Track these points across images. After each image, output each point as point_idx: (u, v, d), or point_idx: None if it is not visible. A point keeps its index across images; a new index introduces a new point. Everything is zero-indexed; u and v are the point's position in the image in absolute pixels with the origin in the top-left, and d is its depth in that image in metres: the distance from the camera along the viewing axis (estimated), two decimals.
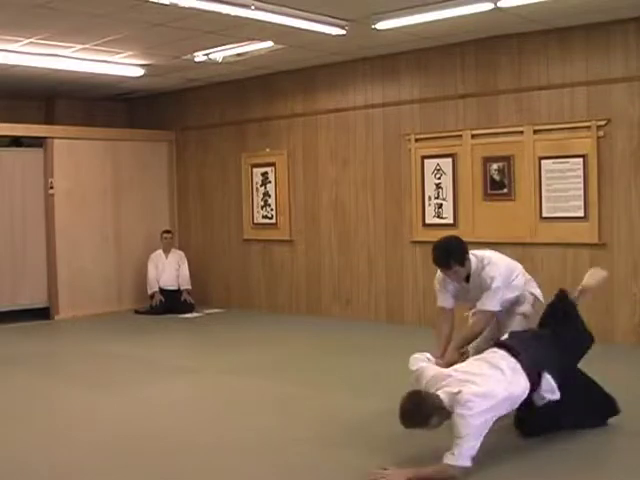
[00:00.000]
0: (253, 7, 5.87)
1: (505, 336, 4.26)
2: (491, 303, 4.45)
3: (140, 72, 8.38)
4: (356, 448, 4.12)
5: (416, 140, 7.91)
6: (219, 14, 5.98)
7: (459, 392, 3.63)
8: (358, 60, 8.25)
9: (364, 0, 5.97)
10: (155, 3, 5.65)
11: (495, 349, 4.00)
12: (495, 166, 7.36)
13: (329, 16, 6.37)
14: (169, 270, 9.63)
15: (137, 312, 9.50)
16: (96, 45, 7.16)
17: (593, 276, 4.58)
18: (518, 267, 4.77)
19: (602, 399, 4.32)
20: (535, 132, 7.10)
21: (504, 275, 4.51)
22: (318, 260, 8.84)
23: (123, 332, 8.30)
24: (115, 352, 7.12)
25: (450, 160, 7.66)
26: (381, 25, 6.54)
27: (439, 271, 4.62)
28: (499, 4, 5.96)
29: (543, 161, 7.07)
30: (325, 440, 4.30)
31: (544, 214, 7.09)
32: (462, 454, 3.54)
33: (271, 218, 9.26)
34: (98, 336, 8.09)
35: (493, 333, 4.56)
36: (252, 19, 6.18)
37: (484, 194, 7.46)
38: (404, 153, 8.02)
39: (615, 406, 4.31)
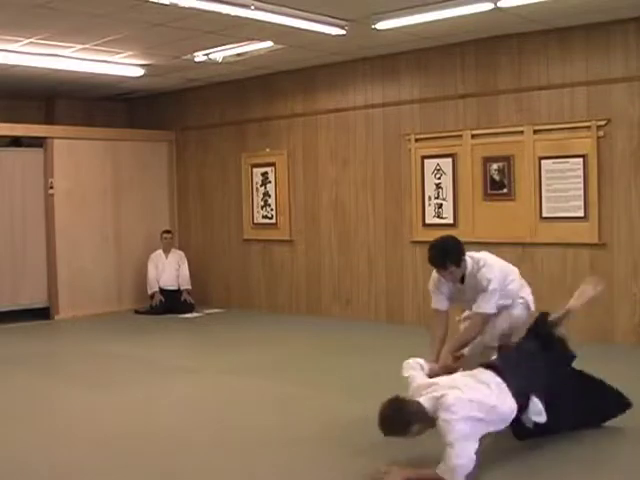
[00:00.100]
0: (253, 7, 5.87)
1: (494, 357, 4.21)
2: (487, 305, 4.41)
3: (140, 72, 8.38)
4: (356, 448, 4.11)
5: (416, 140, 7.91)
6: (219, 14, 5.98)
7: (442, 396, 3.58)
8: (358, 60, 8.25)
9: (364, 0, 5.97)
10: (155, 3, 5.65)
11: (482, 369, 3.93)
12: (495, 166, 7.36)
13: (329, 16, 6.37)
14: (169, 270, 9.63)
15: (137, 312, 9.50)
16: (96, 45, 7.16)
17: (580, 297, 4.45)
18: (514, 271, 4.69)
19: (604, 398, 4.29)
20: (535, 132, 7.10)
21: (499, 277, 4.46)
22: (318, 260, 8.84)
23: (123, 332, 8.30)
24: (115, 352, 7.12)
25: (450, 160, 7.66)
26: (381, 25, 6.54)
27: (434, 272, 4.59)
28: (499, 4, 5.96)
29: (543, 161, 7.07)
30: (325, 440, 4.30)
31: (544, 214, 7.09)
32: (454, 469, 3.46)
33: (271, 218, 9.26)
34: (98, 336, 8.09)
35: (491, 335, 4.50)
36: (252, 19, 6.18)
37: (484, 194, 7.46)
38: (404, 153, 8.02)
39: (623, 403, 4.27)
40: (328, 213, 8.72)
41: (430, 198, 7.84)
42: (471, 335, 4.49)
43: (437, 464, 3.55)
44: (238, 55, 7.66)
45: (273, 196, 9.21)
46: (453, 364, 4.39)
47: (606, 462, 3.89)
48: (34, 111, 9.99)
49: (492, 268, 4.45)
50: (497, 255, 7.35)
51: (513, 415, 3.76)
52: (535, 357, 4.08)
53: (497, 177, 7.36)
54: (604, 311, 6.80)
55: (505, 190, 7.32)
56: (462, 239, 7.39)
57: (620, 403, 4.27)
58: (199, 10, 5.89)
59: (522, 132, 7.17)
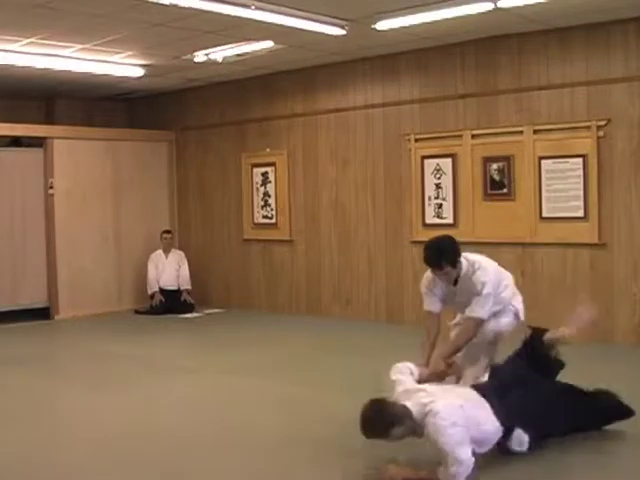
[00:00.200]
0: (253, 7, 5.87)
1: (486, 376, 4.11)
2: (481, 310, 4.31)
3: (140, 72, 8.38)
4: (355, 448, 4.11)
5: (416, 140, 7.91)
6: (219, 14, 5.98)
7: (431, 402, 3.53)
8: (358, 60, 8.25)
9: (364, 0, 5.97)
10: (155, 3, 5.65)
11: (469, 389, 3.88)
12: (495, 166, 7.36)
13: (329, 16, 6.37)
14: (169, 270, 9.63)
15: (137, 312, 9.50)
16: (96, 45, 7.16)
17: (576, 321, 4.30)
18: (508, 277, 4.62)
19: (600, 411, 4.19)
20: (535, 132, 7.10)
21: (494, 282, 4.38)
22: (318, 260, 8.84)
23: (123, 332, 8.30)
24: (115, 352, 7.12)
25: (450, 160, 7.66)
26: (381, 25, 6.55)
27: (427, 272, 4.51)
28: (499, 4, 5.96)
29: (543, 161, 7.07)
30: (325, 440, 4.30)
31: (544, 214, 7.09)
32: (454, 476, 3.43)
33: (271, 218, 9.26)
34: (98, 336, 8.09)
35: (478, 342, 4.41)
36: (252, 19, 6.18)
37: (484, 194, 7.46)
38: (404, 153, 8.02)
39: (623, 411, 4.19)
40: (328, 213, 8.72)
41: (430, 198, 7.84)
42: (463, 341, 4.38)
43: (436, 464, 3.55)
44: (238, 55, 7.66)
45: (273, 196, 9.21)
46: (445, 370, 4.31)
47: (606, 465, 3.87)
48: (34, 111, 9.99)
49: (487, 271, 4.38)
50: (497, 255, 7.36)
51: (496, 438, 3.69)
52: (528, 385, 3.95)
53: (497, 177, 7.36)
54: (604, 311, 6.80)
55: (505, 190, 7.31)
56: (462, 239, 7.40)
57: (620, 412, 4.19)
58: (199, 10, 5.89)
59: (522, 132, 7.17)
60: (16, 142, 9.11)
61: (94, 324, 8.85)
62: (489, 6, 6.01)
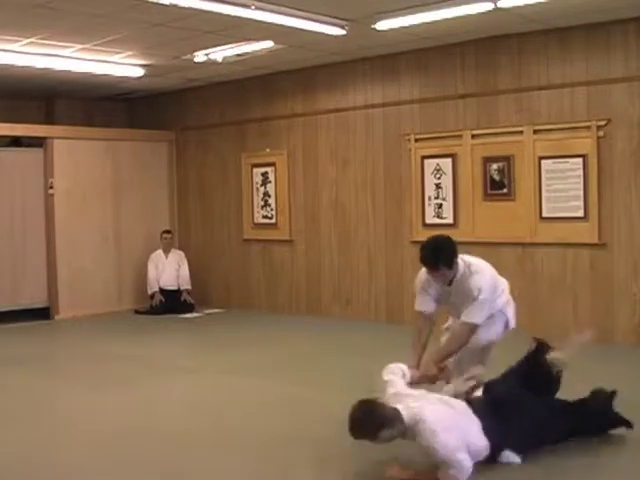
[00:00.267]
0: (253, 7, 5.87)
1: (480, 390, 4.04)
2: (477, 315, 4.21)
3: (140, 72, 8.38)
4: (355, 448, 4.10)
5: (416, 140, 7.91)
6: (219, 14, 5.98)
7: (421, 407, 3.51)
8: (358, 60, 8.25)
9: (364, 0, 5.97)
10: (155, 3, 5.65)
11: (462, 403, 3.82)
12: (495, 166, 7.36)
13: (329, 16, 6.37)
14: (169, 270, 9.63)
15: (137, 312, 9.50)
16: (96, 45, 7.16)
17: (574, 344, 4.20)
18: (504, 282, 4.55)
19: (593, 421, 4.11)
20: (535, 132, 7.10)
21: (491, 286, 4.29)
22: (318, 260, 8.84)
23: (123, 332, 8.30)
24: (115, 352, 7.12)
25: (450, 160, 7.66)
26: (381, 25, 6.54)
27: (422, 270, 4.40)
28: (499, 4, 5.96)
29: (543, 161, 7.07)
30: (325, 440, 4.30)
31: (544, 214, 7.09)
32: (455, 478, 3.44)
33: (271, 218, 9.26)
34: (98, 336, 8.09)
35: (470, 349, 4.33)
36: (252, 19, 6.18)
37: (484, 194, 7.46)
38: (404, 153, 8.02)
39: (620, 422, 4.12)
40: (328, 213, 8.71)
41: (430, 198, 7.84)
42: (457, 346, 4.29)
43: (434, 466, 3.55)
44: (238, 55, 7.66)
45: (273, 196, 9.21)
46: (436, 374, 4.25)
47: (606, 465, 3.86)
48: (34, 111, 9.99)
49: (484, 276, 4.28)
50: (497, 255, 7.39)
51: (484, 454, 3.62)
52: (522, 405, 3.86)
53: (497, 177, 7.36)
54: (604, 311, 6.81)
55: (505, 190, 7.31)
56: (462, 239, 7.41)
57: (617, 423, 4.12)
58: (199, 10, 5.89)
59: (522, 132, 7.17)
60: (16, 142, 9.11)
61: (94, 324, 8.85)
62: (489, 6, 6.01)
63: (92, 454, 4.19)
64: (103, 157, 9.61)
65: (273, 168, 9.18)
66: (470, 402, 3.84)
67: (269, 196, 9.26)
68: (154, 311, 9.39)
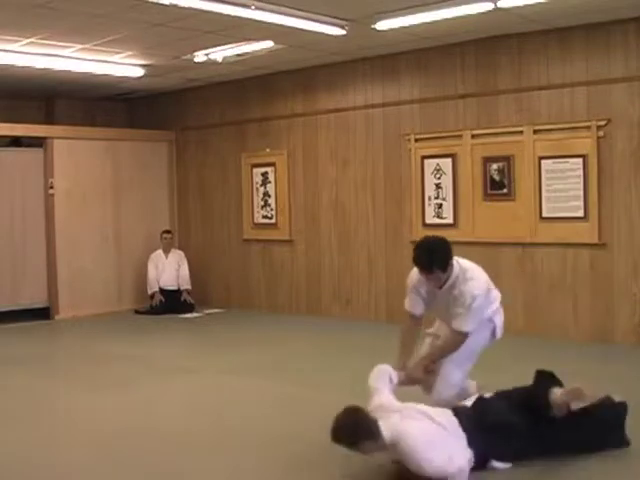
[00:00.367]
0: (253, 7, 5.87)
1: (471, 400, 3.94)
2: (469, 325, 4.08)
3: (140, 72, 8.38)
4: None
5: (416, 140, 7.91)
6: (219, 14, 5.98)
7: (404, 427, 3.46)
8: (358, 60, 8.25)
9: (364, 0, 5.97)
10: (155, 3, 5.65)
11: (448, 413, 3.76)
12: (495, 166, 7.36)
13: (329, 16, 6.37)
14: (169, 270, 9.63)
15: (137, 312, 9.50)
16: (96, 45, 7.16)
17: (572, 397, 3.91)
18: (496, 292, 4.38)
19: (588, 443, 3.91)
20: (535, 132, 7.10)
21: (485, 295, 4.15)
22: (318, 260, 8.84)
23: (123, 332, 8.30)
24: (115, 352, 7.12)
25: (450, 160, 7.66)
26: (381, 25, 6.54)
27: (415, 270, 4.28)
28: (499, 4, 5.96)
29: (543, 161, 7.07)
30: (325, 440, 4.28)
31: (544, 214, 7.09)
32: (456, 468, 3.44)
33: (271, 218, 9.26)
34: (98, 336, 8.09)
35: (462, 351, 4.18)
36: (252, 19, 6.18)
37: (484, 194, 7.46)
38: (404, 153, 8.02)
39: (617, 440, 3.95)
40: (328, 213, 8.71)
41: (430, 198, 7.83)
42: (447, 353, 4.17)
43: None
44: (238, 55, 7.66)
45: (273, 196, 9.21)
46: (423, 376, 4.17)
47: (608, 466, 3.85)
48: (34, 111, 9.99)
49: (480, 284, 4.14)
50: (497, 255, 7.40)
51: (468, 466, 3.54)
52: (510, 429, 3.74)
53: (497, 177, 7.36)
54: (604, 311, 6.81)
55: (505, 190, 7.31)
56: (462, 239, 7.45)
57: (614, 441, 3.95)
58: (199, 10, 5.89)
59: (522, 132, 7.17)
60: (16, 142, 9.11)
61: (94, 324, 8.85)
62: (489, 6, 6.01)
63: (92, 454, 4.19)
64: (103, 157, 9.61)
65: (273, 168, 9.18)
66: (457, 412, 3.78)
67: (269, 196, 9.26)
68: (154, 311, 9.39)
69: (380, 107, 8.21)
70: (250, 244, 9.52)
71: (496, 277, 7.30)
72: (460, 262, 4.21)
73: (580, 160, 6.84)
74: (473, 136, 7.50)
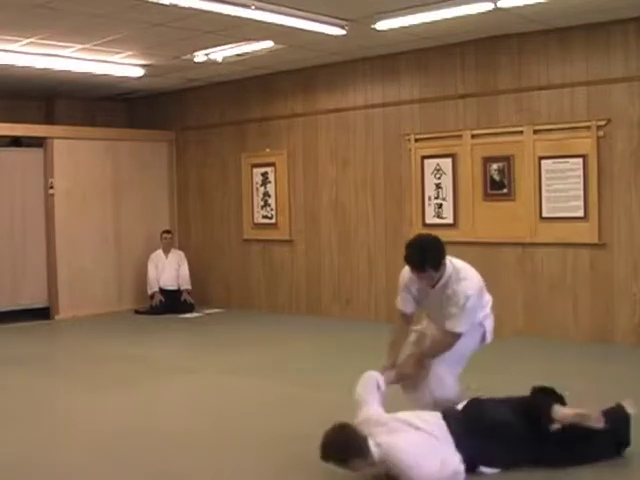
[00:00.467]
0: (253, 7, 5.86)
1: (462, 405, 3.87)
2: (463, 325, 3.98)
3: (140, 72, 8.38)
4: None
5: (416, 140, 7.91)
6: (219, 14, 5.98)
7: (392, 442, 3.44)
8: (358, 60, 8.25)
9: (364, 0, 5.97)
10: (155, 3, 5.65)
11: (438, 415, 3.73)
12: (495, 166, 7.36)
13: (329, 16, 6.37)
14: (169, 270, 9.63)
15: (137, 312, 9.50)
16: (96, 45, 7.16)
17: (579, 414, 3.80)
18: (488, 296, 4.28)
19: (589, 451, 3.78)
20: (535, 132, 7.10)
21: (478, 295, 4.05)
22: (318, 260, 8.84)
23: (123, 332, 8.30)
24: (115, 352, 7.12)
25: (450, 160, 7.66)
26: (381, 25, 6.54)
27: (407, 268, 4.17)
28: (499, 4, 5.96)
29: (543, 161, 7.07)
30: None
31: (544, 214, 7.09)
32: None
33: (271, 218, 9.26)
34: (98, 336, 8.09)
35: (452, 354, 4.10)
36: (252, 19, 6.18)
37: (484, 194, 7.46)
38: (404, 153, 8.02)
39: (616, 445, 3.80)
40: (328, 213, 8.71)
41: (430, 198, 7.83)
42: (437, 352, 4.08)
43: None
44: (238, 55, 7.66)
45: (273, 196, 9.21)
46: (413, 371, 4.11)
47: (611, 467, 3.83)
48: (34, 111, 9.99)
49: (473, 284, 4.04)
50: (497, 255, 7.40)
51: (461, 468, 3.51)
52: (504, 435, 3.67)
53: (497, 177, 7.36)
54: (604, 311, 6.81)
55: (505, 190, 7.31)
56: (462, 239, 7.45)
57: (611, 448, 3.80)
58: (199, 10, 5.89)
59: (522, 132, 7.17)
60: (16, 142, 9.11)
61: (94, 324, 8.85)
62: (489, 6, 6.01)
63: (92, 454, 4.19)
64: (103, 157, 9.61)
65: (273, 168, 9.18)
66: (446, 415, 3.75)
67: (269, 196, 9.26)
68: (154, 311, 9.39)
69: (380, 107, 8.20)
70: (250, 244, 9.52)
71: (496, 277, 7.37)
72: (453, 261, 4.12)
73: (580, 160, 6.84)
74: (473, 136, 7.50)
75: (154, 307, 9.46)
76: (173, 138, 10.29)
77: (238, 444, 4.31)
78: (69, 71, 8.09)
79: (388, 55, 8.00)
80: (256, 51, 7.49)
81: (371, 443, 3.48)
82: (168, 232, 9.84)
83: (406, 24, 6.53)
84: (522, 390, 3.95)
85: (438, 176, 7.77)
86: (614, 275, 6.74)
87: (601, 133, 6.74)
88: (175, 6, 5.70)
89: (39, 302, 9.09)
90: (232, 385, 5.80)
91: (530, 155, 7.12)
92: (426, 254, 3.99)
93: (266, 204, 9.30)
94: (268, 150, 9.22)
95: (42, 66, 7.80)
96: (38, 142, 9.08)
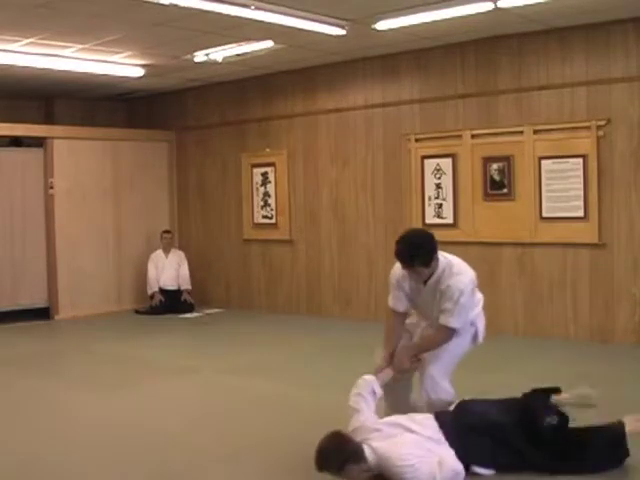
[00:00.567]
0: (253, 7, 5.87)
1: (454, 405, 3.85)
2: (457, 320, 3.91)
3: (140, 72, 8.38)
4: None
5: (416, 140, 7.91)
6: (219, 14, 5.98)
7: (386, 447, 3.44)
8: (358, 60, 8.25)
9: (364, 0, 5.97)
10: (155, 3, 5.64)
11: (430, 417, 3.72)
12: (495, 166, 7.36)
13: (329, 16, 6.37)
14: (169, 270, 9.63)
15: (137, 312, 9.50)
16: (96, 45, 7.16)
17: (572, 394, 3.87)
18: (480, 295, 4.20)
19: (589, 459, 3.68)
20: (535, 132, 7.10)
21: (472, 290, 3.98)
22: (318, 260, 8.84)
23: (123, 332, 8.30)
24: (115, 352, 7.12)
25: (450, 160, 7.66)
26: (381, 25, 6.55)
27: (398, 265, 4.08)
28: (499, 4, 5.96)
29: (543, 161, 7.07)
30: None
31: (544, 214, 7.09)
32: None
33: (271, 218, 9.26)
34: (98, 336, 8.09)
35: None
36: (252, 19, 6.18)
37: (484, 194, 7.46)
38: (404, 153, 8.02)
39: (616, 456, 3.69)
40: (328, 213, 8.71)
41: (430, 198, 7.83)
42: (432, 347, 4.02)
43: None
44: (238, 55, 7.66)
45: (273, 196, 9.21)
46: (411, 368, 4.08)
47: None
48: (34, 111, 10.00)
49: (467, 278, 3.96)
50: (497, 255, 7.40)
51: (461, 473, 3.50)
52: (495, 436, 3.64)
53: (497, 177, 7.36)
54: (604, 311, 6.81)
55: (505, 190, 7.31)
56: (462, 239, 7.45)
57: (611, 459, 3.68)
58: (199, 10, 5.89)
59: (522, 132, 7.17)
60: (16, 142, 9.11)
61: (94, 324, 8.85)
62: (489, 6, 6.01)
63: (92, 454, 4.19)
64: (103, 157, 9.61)
65: (273, 168, 9.18)
66: (437, 416, 3.74)
67: (269, 196, 9.26)
68: (154, 311, 9.39)
69: (380, 107, 8.20)
70: (250, 244, 9.52)
71: (496, 277, 7.37)
72: (447, 256, 4.03)
73: (580, 160, 6.84)
74: (473, 136, 7.50)
75: (154, 307, 9.46)
76: (173, 138, 10.29)
77: (238, 444, 4.31)
78: (69, 71, 8.09)
79: (388, 55, 8.00)
80: (256, 51, 7.49)
81: (366, 449, 3.48)
82: (168, 232, 9.84)
83: (406, 24, 6.53)
84: (522, 390, 3.95)
85: (438, 176, 7.77)
86: (614, 275, 6.74)
87: (601, 133, 6.74)
88: (175, 6, 5.70)
89: (39, 302, 9.09)
90: (232, 385, 5.80)
91: (530, 155, 7.12)
92: (416, 250, 3.91)
93: (266, 204, 9.30)
94: (268, 150, 9.22)
95: (42, 66, 7.79)
96: (38, 142, 9.08)
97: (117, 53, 7.57)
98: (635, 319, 6.68)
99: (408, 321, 4.28)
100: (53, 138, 9.12)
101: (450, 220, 7.66)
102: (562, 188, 6.96)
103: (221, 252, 9.88)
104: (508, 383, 4.91)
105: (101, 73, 8.32)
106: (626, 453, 3.65)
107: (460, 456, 3.54)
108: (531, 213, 7.14)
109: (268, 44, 7.27)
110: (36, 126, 9.22)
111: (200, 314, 9.27)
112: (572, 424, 3.68)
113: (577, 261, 6.94)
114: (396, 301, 4.16)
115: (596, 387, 4.28)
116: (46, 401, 5.44)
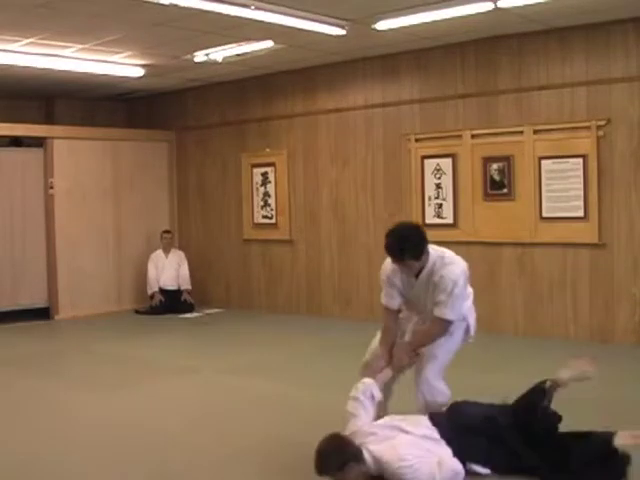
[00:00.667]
0: (253, 7, 5.87)
1: (447, 407, 3.86)
2: (452, 312, 3.85)
3: (140, 72, 8.38)
4: None
5: (416, 140, 7.91)
6: (219, 14, 5.98)
7: (384, 450, 3.44)
8: (358, 60, 8.25)
9: (364, 0, 5.97)
10: (155, 3, 5.64)
11: (424, 418, 3.73)
12: (495, 166, 7.36)
13: (329, 16, 6.37)
14: (169, 270, 9.63)
15: (137, 312, 9.50)
16: (96, 45, 7.16)
17: (570, 369, 3.81)
18: (470, 289, 4.13)
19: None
20: (535, 132, 7.10)
21: (464, 280, 3.91)
22: (318, 260, 8.84)
23: (123, 332, 8.30)
24: (115, 352, 7.12)
25: (450, 160, 7.66)
26: (381, 25, 6.55)
27: (388, 260, 4.02)
28: (499, 4, 5.96)
29: (543, 161, 7.07)
30: None
31: (544, 214, 7.09)
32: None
33: (271, 218, 9.26)
34: (98, 336, 8.09)
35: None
36: (252, 19, 6.18)
37: (484, 194, 7.46)
38: (404, 153, 8.02)
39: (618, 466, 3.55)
40: (328, 213, 8.71)
41: (430, 198, 7.83)
42: (428, 341, 3.98)
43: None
44: (238, 55, 7.66)
45: (273, 196, 9.21)
46: (409, 361, 4.04)
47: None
48: (34, 111, 10.00)
49: (459, 268, 3.90)
50: (497, 255, 7.40)
51: (461, 473, 3.50)
52: (489, 436, 3.64)
53: (497, 177, 7.36)
54: (604, 311, 6.81)
55: (505, 190, 7.31)
56: (462, 239, 7.44)
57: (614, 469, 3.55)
58: (199, 10, 5.89)
59: (522, 132, 7.17)
60: (16, 142, 9.11)
61: (94, 324, 8.85)
62: (489, 6, 6.01)
63: (92, 454, 4.19)
64: (103, 157, 9.61)
65: (273, 168, 9.18)
66: (432, 417, 3.75)
67: (269, 196, 9.26)
68: (154, 311, 9.39)
69: (380, 107, 8.20)
70: (250, 244, 9.52)
71: (496, 277, 7.37)
72: (437, 249, 3.97)
73: (580, 160, 6.84)
74: (473, 136, 7.50)
75: (154, 307, 9.46)
76: (173, 138, 10.29)
77: (238, 444, 4.32)
78: (69, 71, 8.09)
79: (388, 55, 8.00)
80: (256, 51, 7.49)
81: (364, 452, 3.50)
82: (168, 232, 9.84)
83: (406, 24, 6.53)
84: (522, 390, 3.94)
85: (438, 176, 7.77)
86: (614, 275, 6.74)
87: (601, 133, 6.74)
88: (175, 6, 5.70)
89: (39, 302, 9.09)
90: (232, 385, 5.80)
91: (530, 155, 7.12)
92: (406, 243, 3.84)
93: (266, 204, 9.30)
94: (268, 150, 9.22)
95: (42, 66, 7.79)
96: (38, 142, 9.08)
97: (117, 53, 7.57)
98: (635, 319, 6.68)
99: (400, 315, 4.23)
100: (53, 138, 9.12)
101: (450, 220, 7.66)
102: (562, 188, 6.96)
103: (221, 252, 9.88)
104: (508, 383, 4.91)
105: (101, 73, 8.32)
106: (624, 473, 3.52)
107: (456, 455, 3.54)
108: (531, 213, 7.14)
109: (268, 44, 7.27)
110: (36, 126, 9.22)
111: (200, 314, 9.27)
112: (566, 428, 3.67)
113: (577, 261, 6.94)
114: (388, 298, 4.12)
115: (596, 387, 4.28)
116: (46, 401, 5.44)
